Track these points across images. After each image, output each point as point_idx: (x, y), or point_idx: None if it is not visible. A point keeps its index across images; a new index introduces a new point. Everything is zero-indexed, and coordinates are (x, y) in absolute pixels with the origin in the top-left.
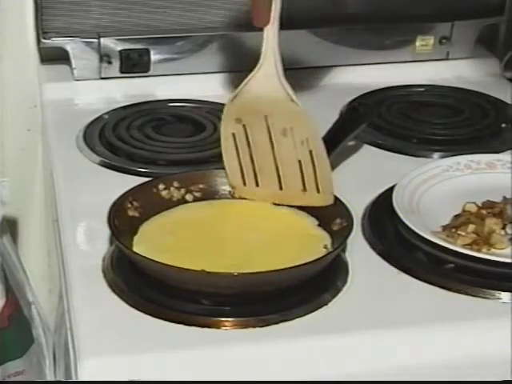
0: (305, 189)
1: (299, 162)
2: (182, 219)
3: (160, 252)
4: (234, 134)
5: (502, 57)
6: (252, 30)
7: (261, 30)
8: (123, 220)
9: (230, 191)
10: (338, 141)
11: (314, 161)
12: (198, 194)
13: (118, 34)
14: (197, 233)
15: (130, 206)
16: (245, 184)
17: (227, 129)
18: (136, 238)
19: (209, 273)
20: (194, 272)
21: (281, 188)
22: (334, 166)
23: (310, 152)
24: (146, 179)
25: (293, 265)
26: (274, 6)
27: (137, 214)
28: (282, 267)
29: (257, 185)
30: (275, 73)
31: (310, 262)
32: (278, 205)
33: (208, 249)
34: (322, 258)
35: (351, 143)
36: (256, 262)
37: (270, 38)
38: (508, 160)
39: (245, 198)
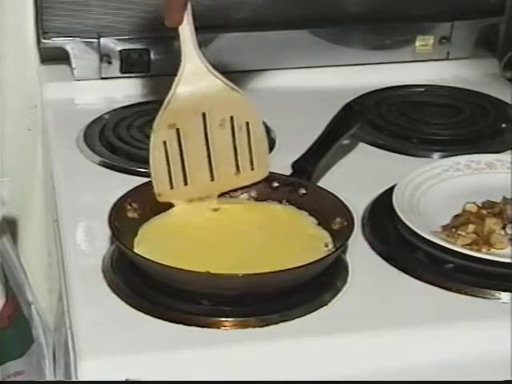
0: (238, 170)
1: (235, 147)
2: (181, 220)
3: (161, 253)
4: (164, 142)
5: (502, 57)
6: (252, 30)
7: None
8: (123, 222)
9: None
10: (333, 140)
11: (251, 141)
12: None
13: (117, 34)
14: (196, 234)
15: (129, 207)
16: (172, 187)
17: (158, 137)
18: (136, 240)
19: (214, 274)
20: (198, 274)
21: (212, 179)
22: (333, 166)
23: (248, 135)
24: (146, 179)
25: (294, 264)
26: (188, 3)
27: (136, 216)
28: (285, 267)
29: (185, 183)
30: (204, 68)
31: (314, 262)
32: (278, 204)
33: (208, 250)
34: (326, 257)
35: (352, 143)
36: (258, 263)
37: (187, 35)
38: (508, 160)
39: (171, 203)
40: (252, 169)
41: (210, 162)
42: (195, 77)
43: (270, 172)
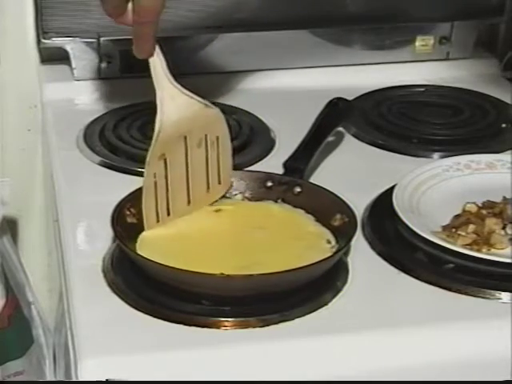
0: (208, 188)
1: (207, 164)
2: (181, 223)
3: (164, 257)
4: (155, 175)
5: (502, 57)
6: (252, 30)
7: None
8: (124, 227)
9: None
10: (322, 137)
11: (220, 155)
12: None
13: (118, 34)
14: (197, 236)
15: (128, 213)
16: (158, 220)
17: (150, 171)
18: (138, 245)
19: (229, 276)
20: (213, 276)
21: (189, 202)
22: (333, 166)
23: (218, 149)
24: None
25: (303, 262)
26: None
27: (135, 221)
28: (295, 266)
29: (168, 214)
30: (177, 91)
31: (330, 257)
32: (273, 203)
33: (211, 251)
34: (338, 251)
35: (352, 143)
36: (264, 262)
37: (158, 64)
38: (508, 160)
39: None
40: (219, 182)
41: (188, 187)
42: (173, 102)
43: (263, 172)
